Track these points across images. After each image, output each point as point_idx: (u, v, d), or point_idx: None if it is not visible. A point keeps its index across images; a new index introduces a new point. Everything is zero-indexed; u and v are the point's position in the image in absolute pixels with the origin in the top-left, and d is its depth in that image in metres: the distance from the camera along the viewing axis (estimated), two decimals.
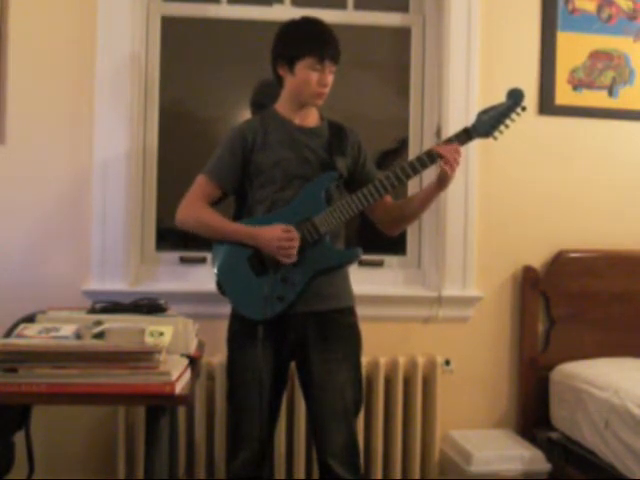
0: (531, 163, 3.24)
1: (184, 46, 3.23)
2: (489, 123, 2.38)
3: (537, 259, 3.24)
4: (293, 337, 2.43)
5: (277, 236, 2.32)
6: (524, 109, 2.39)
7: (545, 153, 3.26)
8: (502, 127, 2.39)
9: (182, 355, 2.12)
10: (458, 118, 3.10)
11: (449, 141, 2.38)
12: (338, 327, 2.46)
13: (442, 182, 2.39)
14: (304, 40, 2.42)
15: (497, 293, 3.23)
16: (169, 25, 3.17)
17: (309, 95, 2.44)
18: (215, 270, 2.45)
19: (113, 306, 2.34)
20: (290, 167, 2.43)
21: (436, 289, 3.16)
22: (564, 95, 3.25)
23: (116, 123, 2.97)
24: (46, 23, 2.97)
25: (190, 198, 2.48)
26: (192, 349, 2.24)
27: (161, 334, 2.03)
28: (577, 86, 3.26)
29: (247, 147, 2.45)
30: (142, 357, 1.86)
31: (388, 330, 3.14)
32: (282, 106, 2.51)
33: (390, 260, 3.27)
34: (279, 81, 2.51)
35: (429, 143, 3.21)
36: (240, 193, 2.52)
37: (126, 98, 2.98)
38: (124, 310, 2.32)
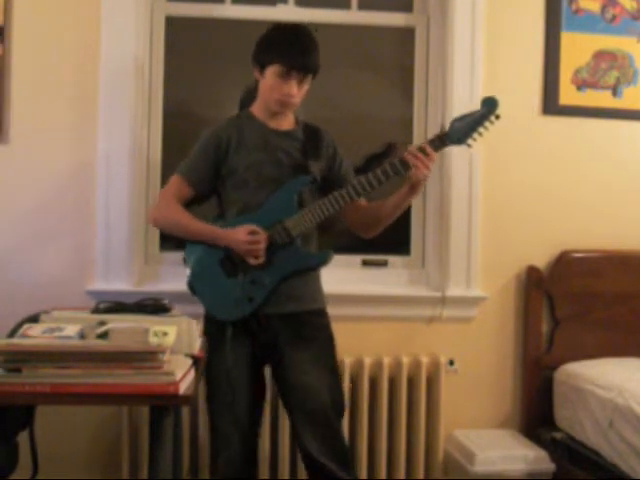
0: (535, 163, 3.24)
1: (188, 46, 3.24)
2: (462, 131, 2.36)
3: (541, 259, 3.24)
4: (264, 339, 2.43)
5: (242, 239, 2.34)
6: (498, 117, 2.37)
7: (549, 153, 3.25)
8: (475, 135, 2.38)
9: (186, 355, 2.12)
10: None
11: (421, 147, 2.34)
12: (310, 328, 2.46)
13: (413, 188, 2.39)
14: (275, 46, 2.41)
15: (501, 293, 3.23)
16: (173, 25, 3.17)
17: (273, 101, 2.44)
18: (187, 271, 2.48)
19: (117, 306, 2.34)
20: (263, 170, 2.44)
21: (440, 289, 3.16)
22: (568, 95, 3.24)
23: (120, 123, 2.98)
24: (50, 23, 2.98)
25: (162, 197, 2.52)
26: (196, 349, 2.24)
27: (165, 334, 2.03)
28: (581, 86, 3.25)
29: (221, 149, 2.46)
30: (146, 357, 1.85)
31: (392, 330, 3.15)
32: (257, 109, 2.52)
33: (394, 260, 3.27)
34: (257, 84, 2.52)
35: None
36: (218, 194, 2.54)
37: (130, 98, 2.99)
38: (128, 310, 2.31)
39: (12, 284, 2.96)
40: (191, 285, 2.47)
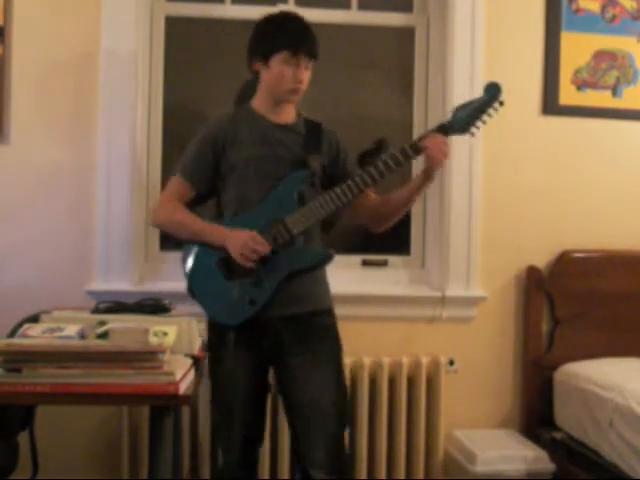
0: (535, 163, 3.24)
1: (188, 46, 3.24)
2: (465, 119, 2.28)
3: (541, 259, 3.23)
4: (269, 342, 2.36)
5: (242, 242, 2.25)
6: (502, 104, 2.28)
7: (549, 153, 3.25)
8: (479, 123, 2.30)
9: (186, 355, 2.12)
10: None
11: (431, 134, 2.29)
12: (315, 329, 2.38)
13: (429, 174, 2.30)
14: (279, 34, 2.35)
15: (501, 293, 3.23)
16: (173, 25, 3.17)
17: (284, 90, 2.37)
18: (186, 273, 2.40)
19: (117, 306, 2.34)
20: (263, 165, 2.36)
21: (440, 289, 3.16)
22: (568, 95, 3.24)
23: (120, 123, 2.98)
24: (50, 23, 2.98)
25: (164, 198, 2.46)
26: (196, 349, 2.24)
27: (165, 334, 2.03)
28: (581, 86, 3.25)
29: (217, 146, 2.38)
30: (146, 357, 1.85)
31: (392, 330, 3.15)
32: (258, 102, 2.45)
33: (394, 260, 3.27)
34: (256, 77, 2.44)
35: None
36: (218, 194, 2.46)
37: (130, 98, 2.99)
38: (128, 310, 2.32)
39: (12, 284, 2.95)
40: (190, 289, 2.39)
